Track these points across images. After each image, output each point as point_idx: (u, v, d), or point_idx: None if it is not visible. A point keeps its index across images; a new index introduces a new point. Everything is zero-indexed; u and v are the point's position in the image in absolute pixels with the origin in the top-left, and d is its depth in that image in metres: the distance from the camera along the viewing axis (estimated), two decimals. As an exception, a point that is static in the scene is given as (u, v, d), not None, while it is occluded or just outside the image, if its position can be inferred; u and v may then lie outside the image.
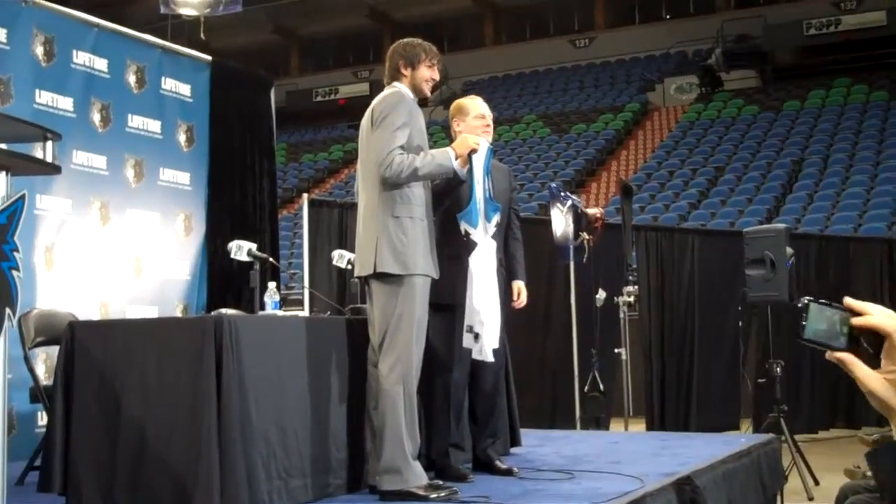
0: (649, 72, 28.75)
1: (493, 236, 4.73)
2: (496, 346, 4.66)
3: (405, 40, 4.65)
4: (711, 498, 4.81)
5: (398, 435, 4.21)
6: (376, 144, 4.35)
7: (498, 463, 5.10)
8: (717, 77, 26.99)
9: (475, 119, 5.13)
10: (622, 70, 29.92)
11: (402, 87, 4.53)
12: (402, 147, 4.32)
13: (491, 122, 5.21)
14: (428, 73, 4.57)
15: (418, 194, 4.42)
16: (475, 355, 4.63)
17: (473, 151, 4.49)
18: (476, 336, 4.54)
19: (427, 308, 4.41)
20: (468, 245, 4.58)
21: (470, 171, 4.54)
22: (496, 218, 4.75)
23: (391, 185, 4.34)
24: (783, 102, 24.19)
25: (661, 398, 10.00)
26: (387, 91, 4.53)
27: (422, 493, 4.19)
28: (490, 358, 4.62)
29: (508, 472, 4.99)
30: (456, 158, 4.42)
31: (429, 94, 4.64)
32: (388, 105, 4.42)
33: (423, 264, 4.35)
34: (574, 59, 30.86)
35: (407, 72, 4.54)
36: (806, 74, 26.01)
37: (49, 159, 3.31)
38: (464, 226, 4.59)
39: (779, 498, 6.29)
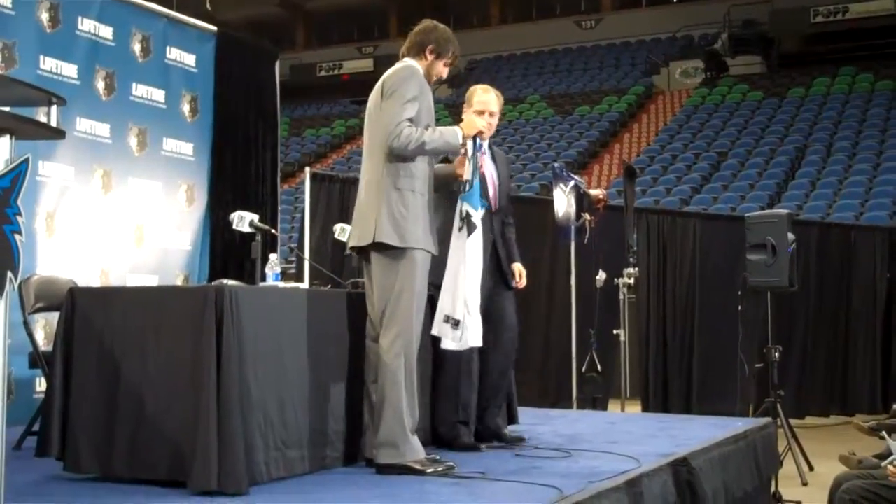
0: (655, 55, 28.67)
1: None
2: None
3: (445, 28, 4.65)
4: (707, 480, 4.83)
5: (398, 409, 4.21)
6: (385, 115, 4.35)
7: (506, 432, 5.25)
8: (723, 62, 26.92)
9: (475, 113, 5.03)
10: (627, 52, 29.83)
11: (416, 65, 4.52)
12: (410, 120, 4.32)
13: (494, 120, 5.17)
14: (442, 70, 4.62)
15: (421, 169, 4.42)
16: (449, 345, 4.51)
17: (480, 133, 4.56)
18: (456, 324, 4.45)
19: (426, 283, 4.41)
20: (469, 226, 4.56)
21: (474, 153, 4.54)
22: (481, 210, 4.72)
23: (396, 156, 4.34)
24: (788, 89, 24.13)
25: (657, 381, 10.03)
26: (399, 65, 4.52)
27: (419, 467, 4.20)
28: (479, 343, 4.57)
29: (519, 440, 5.21)
30: (462, 138, 4.46)
31: (429, 84, 4.61)
32: (401, 78, 4.42)
33: (422, 239, 4.35)
34: (579, 41, 30.77)
35: (430, 58, 4.56)
36: (811, 62, 25.95)
37: (53, 124, 3.29)
38: (466, 207, 4.53)
39: (773, 482, 6.32)
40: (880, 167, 18.35)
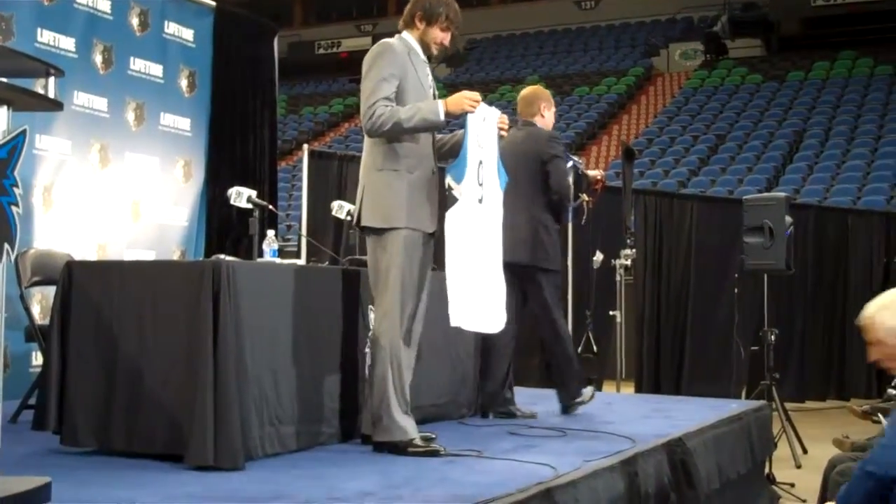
0: (654, 36, 28.61)
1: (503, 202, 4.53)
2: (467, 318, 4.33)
3: None
4: (701, 461, 4.85)
5: (384, 387, 4.18)
6: (361, 97, 4.28)
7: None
8: (722, 44, 26.86)
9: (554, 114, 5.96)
10: (627, 34, 29.76)
11: (399, 39, 4.39)
12: (388, 98, 4.20)
13: None
14: (439, 36, 4.41)
15: (408, 147, 4.28)
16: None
17: (467, 112, 4.30)
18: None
19: (419, 262, 4.29)
20: (450, 199, 4.32)
21: (464, 127, 4.32)
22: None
23: (378, 138, 4.26)
24: (787, 73, 24.10)
25: (652, 362, 10.05)
26: (376, 44, 4.44)
27: (410, 447, 4.18)
28: (456, 323, 4.26)
29: (531, 416, 5.57)
30: (445, 114, 4.24)
31: (434, 53, 4.47)
32: (373, 57, 4.31)
33: (406, 218, 4.23)
34: (579, 21, 30.69)
35: (421, 25, 4.40)
36: (811, 45, 25.88)
37: (51, 96, 3.27)
38: (448, 180, 4.31)
39: (767, 464, 6.34)
40: (878, 152, 18.34)
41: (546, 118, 5.87)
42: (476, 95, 4.34)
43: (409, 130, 4.24)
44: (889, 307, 3.53)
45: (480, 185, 4.37)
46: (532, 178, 5.63)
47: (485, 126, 4.41)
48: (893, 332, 3.48)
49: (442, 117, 4.24)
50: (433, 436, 4.36)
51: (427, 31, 4.40)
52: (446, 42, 4.47)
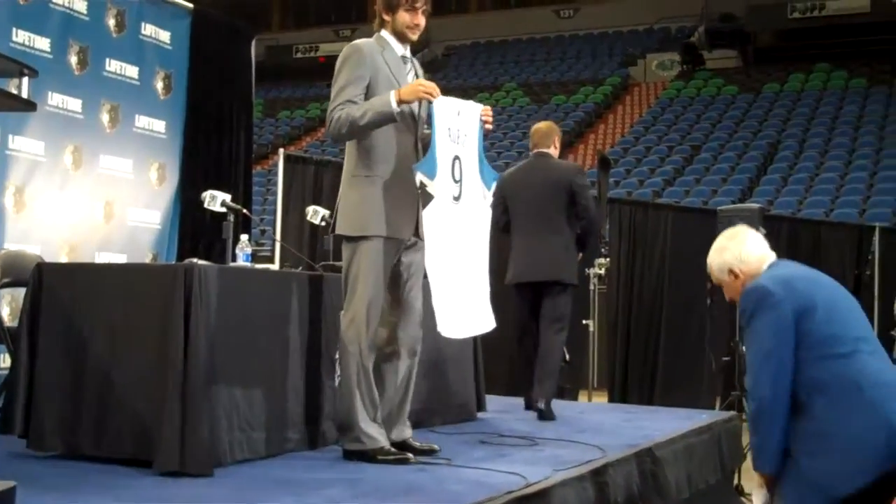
0: (632, 46, 28.76)
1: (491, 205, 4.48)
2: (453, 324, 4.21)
3: None
4: (671, 470, 4.87)
5: (352, 394, 4.17)
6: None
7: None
8: (699, 55, 27.05)
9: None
10: (605, 43, 29.90)
11: (376, 38, 4.31)
12: (350, 101, 4.13)
13: None
14: (407, 18, 4.28)
15: (383, 151, 4.21)
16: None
17: (422, 99, 4.16)
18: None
19: (386, 268, 4.20)
20: (424, 198, 4.14)
21: (430, 119, 4.18)
22: (493, 187, 4.47)
23: (344, 141, 4.25)
24: (763, 84, 24.27)
25: (624, 372, 10.06)
26: (346, 46, 4.35)
27: (380, 455, 4.17)
28: (444, 332, 4.17)
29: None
30: (399, 104, 4.09)
31: (413, 39, 4.34)
32: (340, 62, 4.26)
33: (376, 226, 4.16)
34: (557, 30, 30.79)
35: (388, 17, 4.30)
36: (787, 57, 26.11)
37: (24, 96, 3.25)
38: (419, 177, 4.12)
39: (736, 475, 6.36)
40: (851, 165, 18.50)
41: (557, 149, 6.40)
42: (431, 84, 4.18)
43: (366, 127, 4.12)
44: (716, 249, 3.94)
45: (457, 181, 4.23)
46: (559, 204, 6.11)
47: (460, 120, 4.27)
48: (723, 267, 3.88)
49: (394, 107, 4.08)
50: (436, 447, 4.37)
51: (395, 18, 4.30)
52: (417, 21, 4.31)
